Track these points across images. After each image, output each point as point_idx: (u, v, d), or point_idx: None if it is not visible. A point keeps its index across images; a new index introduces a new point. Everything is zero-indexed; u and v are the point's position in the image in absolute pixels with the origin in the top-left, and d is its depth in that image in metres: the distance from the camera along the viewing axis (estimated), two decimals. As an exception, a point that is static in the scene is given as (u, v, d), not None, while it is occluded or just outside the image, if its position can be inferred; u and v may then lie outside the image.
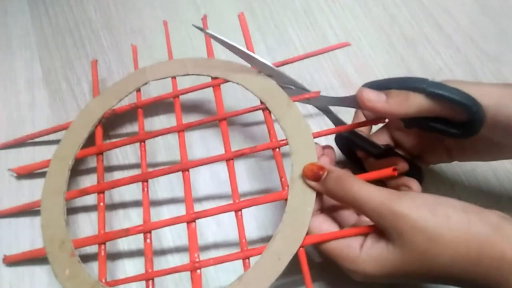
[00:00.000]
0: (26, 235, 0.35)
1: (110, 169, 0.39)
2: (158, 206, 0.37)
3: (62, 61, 0.44)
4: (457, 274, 0.23)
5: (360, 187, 0.26)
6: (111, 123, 0.40)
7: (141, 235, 0.31)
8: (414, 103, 0.27)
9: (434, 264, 0.24)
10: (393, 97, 0.27)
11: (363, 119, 0.33)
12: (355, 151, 0.35)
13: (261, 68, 0.34)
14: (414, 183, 0.31)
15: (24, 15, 0.47)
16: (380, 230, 0.26)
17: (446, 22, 0.44)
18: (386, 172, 0.29)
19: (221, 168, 0.38)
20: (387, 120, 0.32)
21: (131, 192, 0.37)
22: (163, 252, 0.35)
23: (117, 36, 0.45)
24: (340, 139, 0.35)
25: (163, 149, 0.39)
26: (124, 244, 0.35)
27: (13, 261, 0.33)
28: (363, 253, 0.26)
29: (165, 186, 0.37)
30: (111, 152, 0.39)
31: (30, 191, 0.37)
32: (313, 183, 0.28)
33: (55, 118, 0.40)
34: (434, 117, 0.28)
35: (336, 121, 0.34)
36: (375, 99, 0.28)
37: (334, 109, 0.34)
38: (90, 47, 0.45)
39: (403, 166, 0.32)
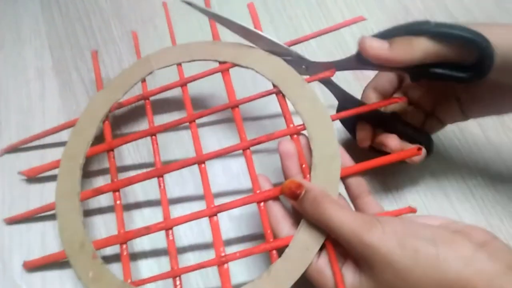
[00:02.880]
0: (37, 225, 0.35)
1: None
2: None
3: (72, 50, 0.43)
4: None
5: (333, 212, 0.25)
6: (116, 122, 0.39)
7: (157, 235, 0.30)
8: (418, 47, 0.26)
9: None
10: (396, 43, 0.26)
11: (371, 95, 0.32)
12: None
13: (266, 46, 0.33)
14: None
15: (34, 3, 0.46)
16: (354, 259, 0.25)
17: (461, 15, 0.43)
18: (411, 152, 0.28)
19: (233, 161, 0.37)
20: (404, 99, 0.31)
21: (142, 191, 0.36)
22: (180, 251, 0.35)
23: (128, 26, 0.44)
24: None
25: (171, 145, 0.38)
26: (138, 245, 0.35)
27: (33, 267, 0.33)
28: None
29: (176, 182, 0.37)
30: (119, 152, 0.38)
31: (40, 193, 0.37)
32: (291, 201, 0.27)
33: (65, 108, 0.39)
34: (441, 63, 0.27)
35: (338, 92, 0.33)
36: (378, 46, 0.27)
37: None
38: (100, 37, 0.43)
39: (393, 143, 0.31)
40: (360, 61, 0.29)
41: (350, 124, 0.35)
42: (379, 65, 0.28)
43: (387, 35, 0.27)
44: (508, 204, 0.35)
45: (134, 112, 0.40)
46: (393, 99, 0.31)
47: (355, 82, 0.39)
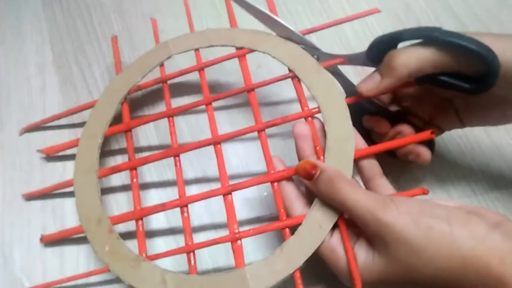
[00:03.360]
0: (38, 219, 0.35)
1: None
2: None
3: (73, 45, 0.43)
4: (442, 286, 0.23)
5: (348, 192, 0.25)
6: (134, 106, 0.40)
7: (170, 216, 0.31)
8: (401, 70, 0.27)
9: (418, 276, 0.23)
10: (382, 71, 0.28)
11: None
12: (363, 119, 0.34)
13: (281, 33, 0.34)
14: (423, 150, 0.31)
15: None
16: (367, 237, 0.26)
17: (463, 12, 0.43)
18: (424, 135, 0.29)
19: (241, 146, 0.38)
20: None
21: (156, 172, 0.37)
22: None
23: (128, 21, 0.44)
24: (350, 106, 0.34)
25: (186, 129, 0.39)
26: (152, 224, 0.35)
27: (50, 241, 0.34)
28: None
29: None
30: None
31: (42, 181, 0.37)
32: (306, 182, 0.28)
33: (65, 103, 0.40)
34: (445, 72, 0.27)
35: (346, 83, 0.33)
36: (372, 84, 0.28)
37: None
38: (101, 31, 0.44)
39: (409, 131, 0.31)
40: (370, 59, 0.30)
41: (355, 116, 0.35)
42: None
43: (395, 37, 0.28)
44: (511, 204, 0.35)
45: (151, 97, 0.40)
46: (403, 85, 0.31)
47: (355, 77, 0.39)
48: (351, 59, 0.32)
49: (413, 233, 0.23)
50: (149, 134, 0.39)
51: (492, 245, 0.22)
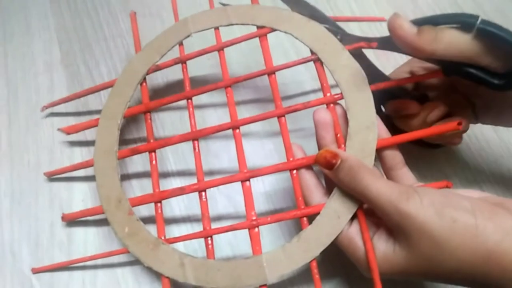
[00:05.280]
0: (45, 216, 0.36)
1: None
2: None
3: (80, 43, 0.43)
4: (464, 279, 0.23)
5: (370, 181, 0.25)
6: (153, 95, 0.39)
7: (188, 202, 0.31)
8: (442, 39, 0.25)
9: (440, 269, 0.23)
10: (423, 31, 0.25)
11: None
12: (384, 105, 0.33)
13: (304, 11, 0.32)
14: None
15: None
16: (389, 228, 0.25)
17: (471, 8, 0.42)
18: (451, 126, 0.27)
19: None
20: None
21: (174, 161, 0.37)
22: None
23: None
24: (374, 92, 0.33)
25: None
26: (169, 211, 0.36)
27: (71, 219, 0.34)
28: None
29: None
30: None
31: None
32: (326, 171, 0.27)
33: (73, 102, 0.39)
34: (470, 64, 0.26)
35: (370, 69, 0.32)
36: (407, 28, 0.25)
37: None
38: (108, 30, 0.43)
39: (443, 108, 0.30)
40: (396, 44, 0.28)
41: (377, 100, 0.34)
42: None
43: (431, 21, 0.26)
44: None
45: (171, 87, 0.40)
46: (433, 73, 0.29)
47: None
48: (380, 43, 0.30)
49: (437, 225, 0.22)
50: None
51: None
